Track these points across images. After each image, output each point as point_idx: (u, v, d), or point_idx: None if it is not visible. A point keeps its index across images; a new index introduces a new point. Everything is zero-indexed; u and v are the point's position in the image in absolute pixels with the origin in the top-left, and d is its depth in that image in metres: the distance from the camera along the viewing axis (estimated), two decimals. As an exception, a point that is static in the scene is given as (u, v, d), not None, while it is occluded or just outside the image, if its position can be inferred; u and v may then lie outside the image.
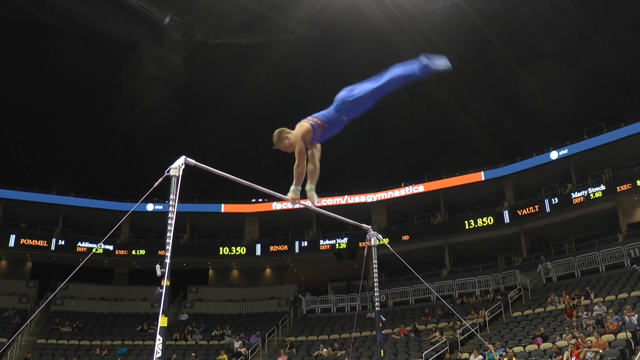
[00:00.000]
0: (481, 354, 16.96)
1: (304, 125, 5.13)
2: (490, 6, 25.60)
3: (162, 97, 29.53)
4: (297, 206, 5.21)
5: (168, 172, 4.85)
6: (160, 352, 4.20)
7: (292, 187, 5.24)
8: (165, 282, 4.40)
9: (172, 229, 4.68)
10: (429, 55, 4.84)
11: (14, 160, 31.50)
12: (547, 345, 16.36)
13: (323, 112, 5.18)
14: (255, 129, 33.88)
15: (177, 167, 4.87)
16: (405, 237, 27.71)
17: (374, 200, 29.71)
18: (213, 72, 30.19)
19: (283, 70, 29.14)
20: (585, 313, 18.29)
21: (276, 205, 29.73)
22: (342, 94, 5.09)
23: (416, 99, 30.89)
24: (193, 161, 5.00)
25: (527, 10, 27.46)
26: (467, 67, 30.24)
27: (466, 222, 27.11)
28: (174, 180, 4.81)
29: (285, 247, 29.03)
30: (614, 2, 27.95)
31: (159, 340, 4.23)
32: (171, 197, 4.72)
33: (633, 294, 18.77)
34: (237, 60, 28.96)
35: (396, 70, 4.92)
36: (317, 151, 5.31)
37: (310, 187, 5.29)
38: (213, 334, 24.65)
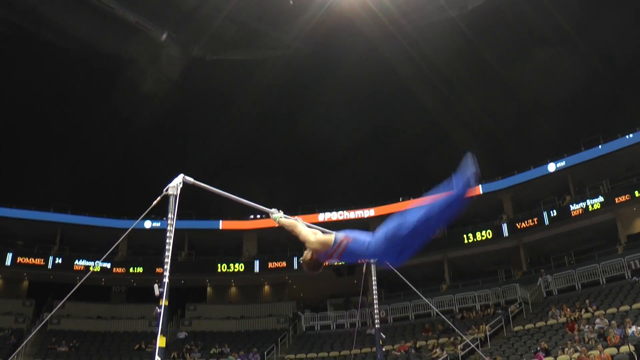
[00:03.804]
0: (483, 369, 16.80)
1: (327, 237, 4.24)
2: (483, 21, 25.76)
3: (159, 114, 29.53)
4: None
5: (166, 190, 4.79)
6: (158, 373, 4.13)
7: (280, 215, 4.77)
8: (163, 302, 4.33)
9: (171, 247, 4.62)
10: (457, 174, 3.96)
11: (10, 177, 31.33)
12: (550, 359, 16.22)
13: (364, 236, 4.13)
14: (251, 144, 33.91)
15: (175, 185, 4.81)
16: (404, 252, 27.50)
17: (372, 215, 29.57)
18: (209, 88, 30.23)
19: (279, 85, 29.19)
20: (587, 326, 18.15)
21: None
22: (393, 224, 4.03)
23: (413, 114, 30.97)
24: (191, 179, 4.94)
25: (520, 24, 27.65)
26: (462, 81, 30.37)
27: (465, 236, 27.01)
28: (172, 199, 4.75)
29: (284, 264, 28.83)
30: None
31: (157, 361, 4.17)
32: (169, 216, 4.66)
33: (635, 306, 18.66)
34: (233, 76, 29.02)
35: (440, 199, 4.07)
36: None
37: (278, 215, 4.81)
38: (212, 352, 24.39)
